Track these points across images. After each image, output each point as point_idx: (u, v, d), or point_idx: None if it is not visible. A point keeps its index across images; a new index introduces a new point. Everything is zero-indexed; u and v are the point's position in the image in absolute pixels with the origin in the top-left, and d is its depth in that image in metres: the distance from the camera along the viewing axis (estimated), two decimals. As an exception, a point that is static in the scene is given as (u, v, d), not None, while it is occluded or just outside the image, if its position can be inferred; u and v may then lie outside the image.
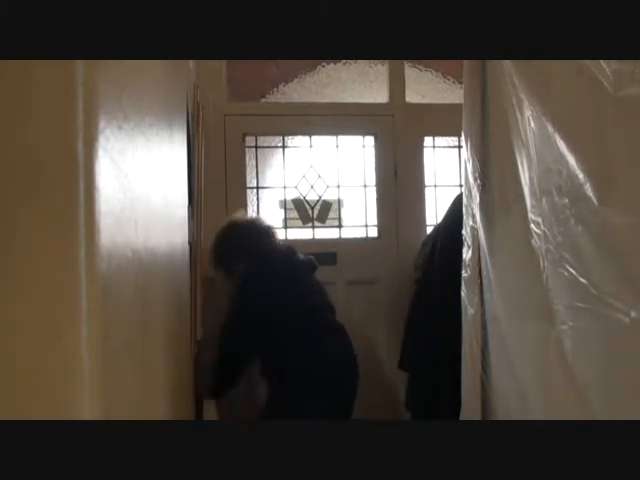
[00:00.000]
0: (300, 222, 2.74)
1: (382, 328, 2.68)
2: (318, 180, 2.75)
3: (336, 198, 2.76)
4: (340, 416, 1.92)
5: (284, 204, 2.73)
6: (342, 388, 1.95)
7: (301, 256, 2.09)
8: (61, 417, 0.37)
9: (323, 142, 2.77)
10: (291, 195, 2.73)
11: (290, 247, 2.11)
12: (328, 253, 2.64)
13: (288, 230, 2.72)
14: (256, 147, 2.72)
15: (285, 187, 2.73)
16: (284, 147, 2.75)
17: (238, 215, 2.21)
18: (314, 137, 2.76)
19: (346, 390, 1.97)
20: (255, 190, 2.71)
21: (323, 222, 2.75)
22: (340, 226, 2.76)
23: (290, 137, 2.76)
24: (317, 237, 2.74)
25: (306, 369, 1.86)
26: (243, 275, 1.97)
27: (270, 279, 1.94)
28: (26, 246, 0.36)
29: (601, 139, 0.99)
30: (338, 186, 2.76)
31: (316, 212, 2.75)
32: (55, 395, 0.37)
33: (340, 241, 2.73)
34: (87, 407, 0.38)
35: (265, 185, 2.74)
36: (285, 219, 2.73)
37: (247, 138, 2.70)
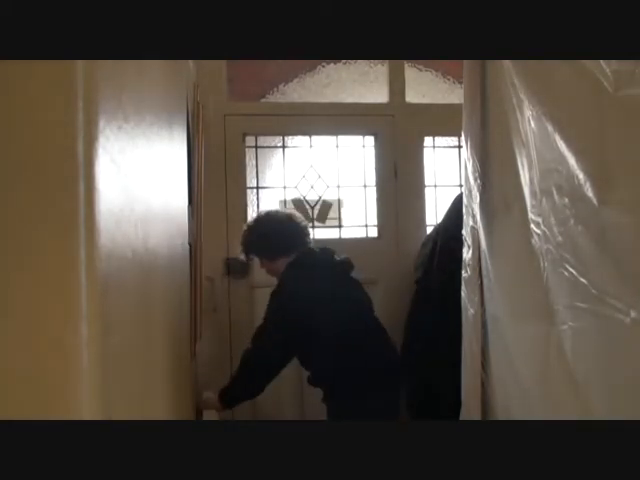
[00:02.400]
0: (300, 222, 2.74)
1: (382, 328, 2.67)
2: (318, 180, 2.75)
3: (336, 198, 2.76)
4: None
5: (284, 204, 2.72)
6: (389, 389, 1.98)
7: (338, 257, 2.10)
8: (61, 417, 0.37)
9: (323, 142, 2.77)
10: (291, 195, 2.73)
11: (327, 248, 2.12)
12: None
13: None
14: (256, 147, 2.72)
15: (285, 187, 2.73)
16: (284, 147, 2.75)
17: (273, 209, 2.25)
18: (314, 137, 2.76)
19: (392, 391, 2.00)
20: (255, 190, 2.71)
21: (323, 222, 2.75)
22: (340, 226, 2.76)
23: (290, 137, 2.75)
24: (317, 237, 2.74)
25: (352, 373, 1.88)
26: (286, 276, 2.00)
27: (311, 283, 1.95)
28: (26, 246, 0.36)
29: (601, 139, 0.99)
30: (338, 186, 2.76)
31: (316, 212, 2.74)
32: (55, 395, 0.37)
33: (340, 241, 2.73)
34: (87, 407, 0.38)
35: (265, 185, 2.74)
36: (285, 219, 2.73)
37: (247, 138, 2.70)
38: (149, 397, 0.72)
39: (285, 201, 2.73)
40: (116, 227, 0.47)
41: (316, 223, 2.74)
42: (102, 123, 0.42)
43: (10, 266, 0.36)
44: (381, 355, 1.97)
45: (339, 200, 2.76)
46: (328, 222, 2.75)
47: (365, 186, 2.78)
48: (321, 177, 2.75)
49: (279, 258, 2.05)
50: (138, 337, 0.62)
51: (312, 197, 2.74)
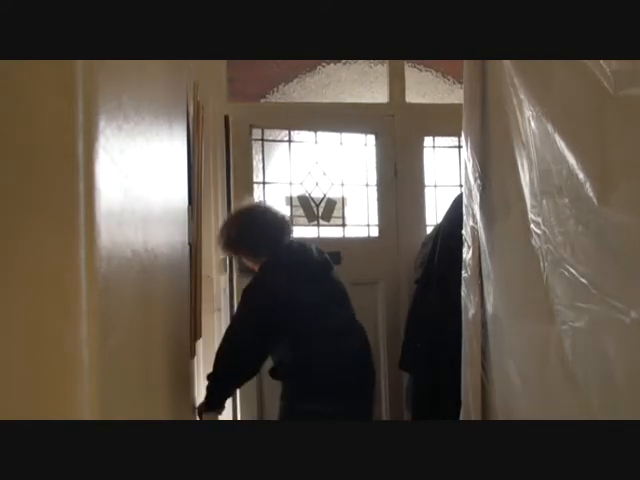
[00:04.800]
0: (306, 220, 2.72)
1: (382, 328, 2.67)
2: (323, 177, 2.74)
3: (340, 196, 2.76)
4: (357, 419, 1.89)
5: (290, 201, 2.71)
6: (358, 393, 1.93)
7: (315, 253, 2.05)
8: (61, 417, 0.37)
9: (327, 139, 2.76)
10: (297, 192, 2.72)
11: (303, 244, 2.08)
12: (332, 252, 2.63)
13: (294, 227, 2.70)
14: (262, 139, 2.71)
15: (291, 183, 2.71)
16: (290, 141, 2.73)
17: (254, 203, 2.21)
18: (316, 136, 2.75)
19: (361, 395, 1.95)
20: (262, 185, 2.69)
21: (328, 220, 2.75)
22: (344, 225, 2.75)
23: (291, 137, 2.75)
24: (322, 235, 2.73)
25: (320, 371, 1.83)
26: (263, 269, 1.96)
27: (288, 275, 1.90)
28: (26, 246, 0.36)
29: (601, 139, 0.99)
30: (342, 184, 2.76)
31: (321, 210, 2.73)
32: (55, 395, 0.37)
33: (344, 240, 2.73)
34: (87, 407, 0.38)
35: (270, 181, 2.71)
36: (291, 216, 2.72)
37: (253, 130, 2.68)
38: (149, 397, 0.72)
39: (291, 198, 2.71)
40: (116, 227, 0.47)
41: (321, 221, 2.73)
42: (102, 123, 0.42)
43: (10, 266, 0.36)
44: (347, 362, 1.90)
45: (343, 198, 2.76)
46: (332, 220, 2.75)
47: (367, 185, 2.77)
48: (326, 174, 2.74)
49: (260, 256, 2.00)
50: (138, 337, 0.62)
51: (317, 194, 2.73)
